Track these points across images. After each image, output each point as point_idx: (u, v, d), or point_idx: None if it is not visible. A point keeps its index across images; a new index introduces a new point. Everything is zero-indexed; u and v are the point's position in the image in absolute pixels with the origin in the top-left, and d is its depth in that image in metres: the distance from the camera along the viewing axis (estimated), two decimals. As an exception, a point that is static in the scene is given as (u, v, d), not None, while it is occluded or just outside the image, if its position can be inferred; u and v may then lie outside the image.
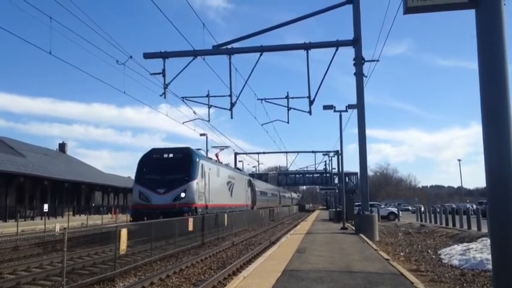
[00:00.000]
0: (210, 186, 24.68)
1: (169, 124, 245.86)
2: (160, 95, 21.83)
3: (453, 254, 14.71)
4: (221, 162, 31.09)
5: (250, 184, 38.90)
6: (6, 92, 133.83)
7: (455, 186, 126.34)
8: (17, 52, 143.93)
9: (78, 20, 13.95)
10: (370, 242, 17.17)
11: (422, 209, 41.48)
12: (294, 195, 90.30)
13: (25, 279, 10.31)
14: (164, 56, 21.65)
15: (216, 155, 32.05)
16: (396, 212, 43.99)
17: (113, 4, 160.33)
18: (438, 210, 32.50)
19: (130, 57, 18.39)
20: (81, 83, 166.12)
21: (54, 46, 15.26)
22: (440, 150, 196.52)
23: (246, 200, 36.16)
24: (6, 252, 11.59)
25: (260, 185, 47.71)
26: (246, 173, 42.64)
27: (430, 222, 32.42)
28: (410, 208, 71.97)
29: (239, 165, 63.75)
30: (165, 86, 21.71)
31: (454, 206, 48.13)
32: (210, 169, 25.17)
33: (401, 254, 16.24)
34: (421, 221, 35.23)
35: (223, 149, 34.99)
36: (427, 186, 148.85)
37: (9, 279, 10.05)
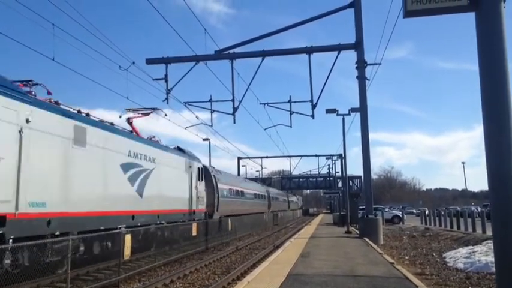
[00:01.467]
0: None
1: (172, 129, 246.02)
2: (163, 100, 21.90)
3: (458, 257, 14.64)
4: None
5: (203, 177, 23.45)
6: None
7: (460, 189, 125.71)
8: (20, 58, 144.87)
9: (81, 26, 14.01)
10: (375, 246, 17.12)
11: (427, 212, 41.34)
12: (294, 198, 79.51)
13: (29, 285, 10.32)
14: (166, 61, 21.74)
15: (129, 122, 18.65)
16: (400, 215, 43.85)
17: (115, 10, 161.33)
18: (443, 213, 32.39)
19: (133, 63, 18.48)
20: (84, 89, 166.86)
21: (57, 52, 15.31)
22: (444, 153, 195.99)
23: (190, 203, 21.06)
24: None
25: (230, 182, 31.25)
26: (198, 158, 23.56)
27: (435, 225, 32.30)
28: (414, 211, 71.69)
29: (242, 169, 63.64)
30: (168, 91, 21.79)
31: (458, 208, 47.91)
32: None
33: (406, 257, 16.17)
34: (426, 224, 35.10)
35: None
36: (431, 189, 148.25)
37: (14, 286, 10.05)
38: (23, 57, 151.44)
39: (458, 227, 26.14)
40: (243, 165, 64.50)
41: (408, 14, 5.39)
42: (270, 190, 50.67)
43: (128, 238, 12.88)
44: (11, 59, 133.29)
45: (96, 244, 12.82)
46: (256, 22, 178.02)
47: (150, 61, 21.89)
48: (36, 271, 10.17)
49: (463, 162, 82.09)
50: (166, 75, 21.73)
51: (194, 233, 19.21)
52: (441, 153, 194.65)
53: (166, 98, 21.84)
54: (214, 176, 26.40)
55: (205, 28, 19.87)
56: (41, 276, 10.43)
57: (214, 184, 25.79)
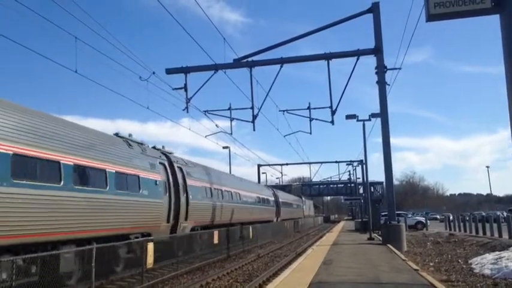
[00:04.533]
0: None
1: (191, 138, 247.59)
2: (183, 110, 22.04)
3: (484, 263, 14.33)
4: None
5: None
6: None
7: (485, 194, 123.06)
8: (43, 71, 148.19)
9: (101, 38, 14.24)
10: (398, 253, 16.88)
11: (451, 217, 40.60)
12: (309, 202, 69.75)
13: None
14: (186, 70, 21.92)
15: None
16: (424, 221, 43.14)
17: (133, 21, 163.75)
18: (467, 218, 31.77)
19: (153, 73, 18.70)
20: (106, 100, 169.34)
21: (79, 64, 15.58)
22: (468, 157, 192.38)
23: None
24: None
25: (209, 179, 22.70)
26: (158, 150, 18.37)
27: (460, 231, 31.69)
28: (438, 217, 70.45)
29: (262, 177, 63.48)
30: (188, 100, 21.95)
31: (483, 213, 46.94)
32: None
33: (431, 264, 15.90)
34: (450, 230, 34.47)
35: None
36: (455, 194, 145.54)
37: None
38: (47, 70, 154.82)
39: (484, 233, 25.58)
40: (263, 173, 64.40)
41: (431, 17, 5.35)
42: (280, 194, 42.50)
43: (150, 247, 12.98)
44: (35, 72, 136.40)
45: (120, 252, 12.94)
46: (272, 31, 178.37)
47: (169, 71, 22.11)
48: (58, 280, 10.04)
49: (487, 167, 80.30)
50: (185, 85, 21.89)
51: (216, 241, 19.24)
52: (464, 157, 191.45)
53: (186, 107, 22.00)
54: (276, 194, 27.51)
55: (224, 37, 20.01)
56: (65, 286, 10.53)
57: (181, 181, 18.48)
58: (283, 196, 44.27)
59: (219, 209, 22.80)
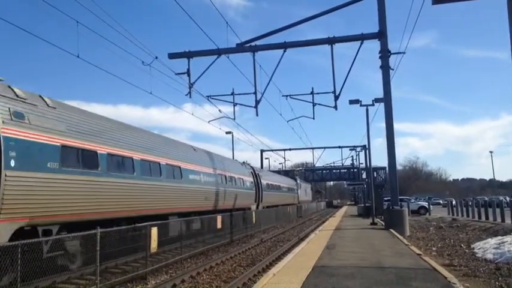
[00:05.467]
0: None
1: (194, 123, 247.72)
2: (186, 95, 22.04)
3: (487, 247, 14.37)
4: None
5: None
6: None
7: (488, 179, 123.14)
8: (46, 56, 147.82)
9: (104, 22, 14.16)
10: (401, 237, 16.94)
11: (454, 202, 40.66)
12: (305, 185, 62.63)
13: (60, 278, 10.58)
14: (189, 55, 21.82)
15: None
16: (427, 206, 43.27)
17: (136, 5, 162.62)
18: (470, 203, 31.81)
19: (156, 57, 18.61)
20: (108, 85, 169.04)
21: (81, 49, 15.49)
22: (471, 143, 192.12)
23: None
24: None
25: (269, 177, 38.08)
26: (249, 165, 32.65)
27: (462, 216, 31.75)
28: (441, 202, 70.64)
29: (265, 162, 63.57)
30: (190, 86, 21.90)
31: (486, 198, 46.98)
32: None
33: (433, 248, 15.97)
34: (453, 214, 34.54)
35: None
36: (458, 180, 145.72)
37: (45, 278, 10.31)
38: (50, 55, 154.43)
39: (487, 218, 25.63)
40: (266, 158, 64.46)
41: (437, 0, 5.26)
42: (263, 175, 36.78)
43: (154, 231, 13.05)
44: (39, 57, 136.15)
45: (124, 237, 13.09)
46: (274, 14, 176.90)
47: (172, 55, 22.01)
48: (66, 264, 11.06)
49: (491, 152, 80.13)
50: (188, 70, 21.82)
51: (219, 225, 19.34)
52: (467, 142, 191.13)
53: (189, 92, 21.96)
54: (257, 174, 32.65)
55: (226, 21, 19.83)
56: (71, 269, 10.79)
57: (258, 181, 32.20)
58: (268, 177, 37.73)
59: (273, 196, 36.90)
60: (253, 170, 32.49)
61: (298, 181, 55.21)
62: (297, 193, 51.14)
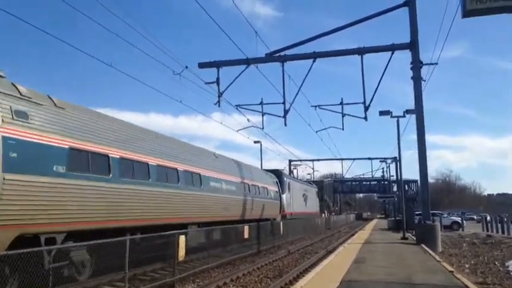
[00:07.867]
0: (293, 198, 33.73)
1: (222, 132, 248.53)
2: (215, 104, 22.24)
3: (523, 266, 13.84)
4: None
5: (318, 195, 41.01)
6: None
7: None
8: (80, 66, 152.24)
9: (137, 32, 14.52)
10: (432, 253, 16.51)
11: (488, 218, 39.41)
12: (306, 188, 42.99)
13: (90, 284, 10.76)
14: (218, 65, 22.06)
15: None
16: (460, 222, 42.02)
17: (166, 16, 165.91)
18: (505, 219, 30.77)
19: (186, 67, 18.88)
20: (138, 93, 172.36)
21: (114, 58, 15.82)
22: (506, 156, 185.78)
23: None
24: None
25: (300, 187, 41.33)
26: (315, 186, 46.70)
27: (497, 232, 30.76)
28: (475, 217, 68.50)
29: (293, 172, 63.24)
30: (220, 95, 22.09)
31: (523, 215, 45.34)
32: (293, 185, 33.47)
33: (466, 265, 15.47)
34: (487, 231, 33.50)
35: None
36: (493, 194, 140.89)
37: (75, 284, 10.51)
38: (85, 65, 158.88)
39: (524, 235, 24.75)
40: (294, 168, 64.15)
41: (468, 13, 5.18)
42: (290, 183, 33.54)
43: (182, 239, 13.13)
44: (74, 65, 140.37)
45: (153, 244, 13.21)
46: (303, 25, 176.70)
47: (202, 65, 22.29)
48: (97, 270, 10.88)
49: (528, 166, 77.22)
50: (218, 79, 22.04)
51: (246, 235, 19.31)
52: (503, 156, 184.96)
53: (218, 101, 22.15)
54: (288, 182, 32.83)
55: (255, 30, 19.97)
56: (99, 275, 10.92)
57: (286, 188, 32.15)
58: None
59: (302, 206, 38.92)
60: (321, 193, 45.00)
61: (286, 179, 34.08)
62: (281, 201, 30.44)
